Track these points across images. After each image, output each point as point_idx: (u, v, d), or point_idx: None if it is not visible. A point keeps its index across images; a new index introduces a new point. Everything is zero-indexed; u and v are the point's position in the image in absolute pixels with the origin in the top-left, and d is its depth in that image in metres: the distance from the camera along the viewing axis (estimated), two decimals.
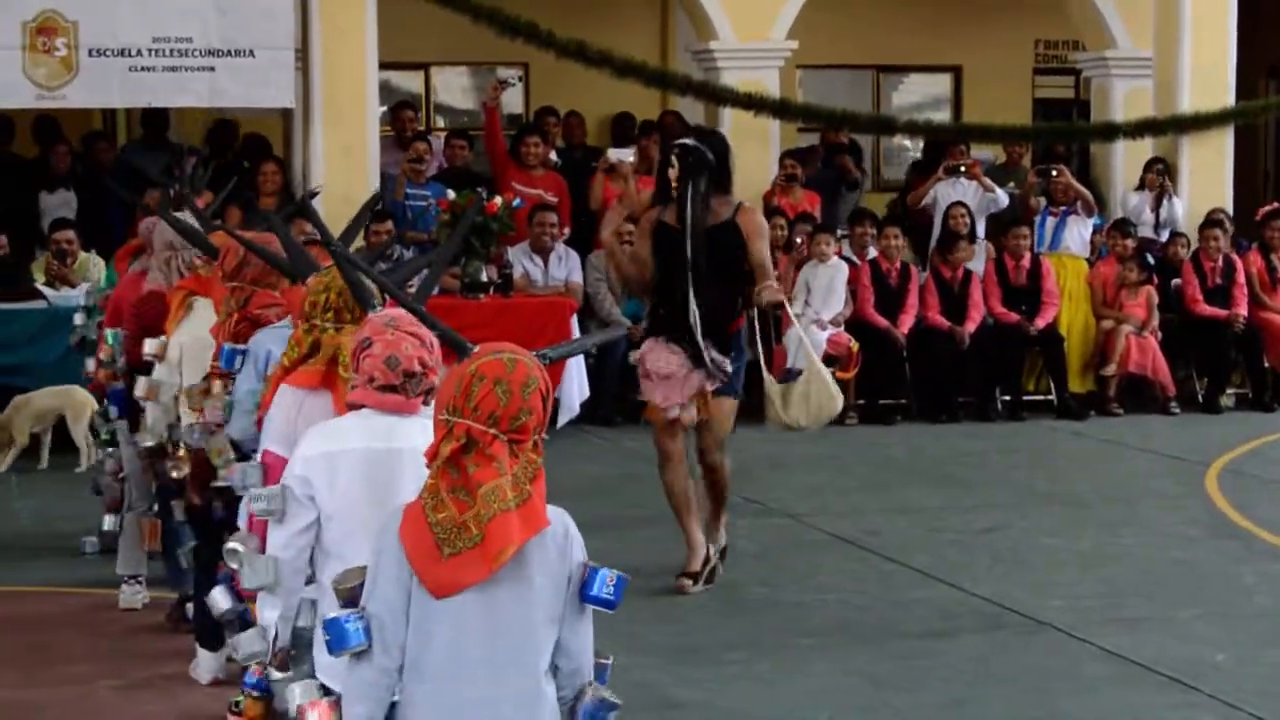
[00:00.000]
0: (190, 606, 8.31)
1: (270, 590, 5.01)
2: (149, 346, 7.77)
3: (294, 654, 4.97)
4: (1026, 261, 15.53)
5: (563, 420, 13.67)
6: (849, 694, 7.91)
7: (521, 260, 14.65)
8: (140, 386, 7.83)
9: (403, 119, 16.46)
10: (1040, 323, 15.35)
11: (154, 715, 7.57)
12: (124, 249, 9.69)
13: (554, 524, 4.13)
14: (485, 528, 4.01)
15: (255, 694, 5.26)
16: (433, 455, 4.11)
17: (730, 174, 9.48)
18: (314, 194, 9.73)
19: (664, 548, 10.14)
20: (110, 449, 9.31)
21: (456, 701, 4.06)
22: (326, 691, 4.64)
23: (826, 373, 9.79)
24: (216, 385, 6.84)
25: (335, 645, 4.06)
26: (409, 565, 4.04)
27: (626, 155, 15.58)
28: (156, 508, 8.62)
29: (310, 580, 4.99)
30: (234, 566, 5.16)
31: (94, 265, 13.52)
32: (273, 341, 6.02)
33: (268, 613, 5.08)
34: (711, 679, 8.06)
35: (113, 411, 8.87)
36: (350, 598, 4.14)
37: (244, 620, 5.76)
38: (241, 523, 5.67)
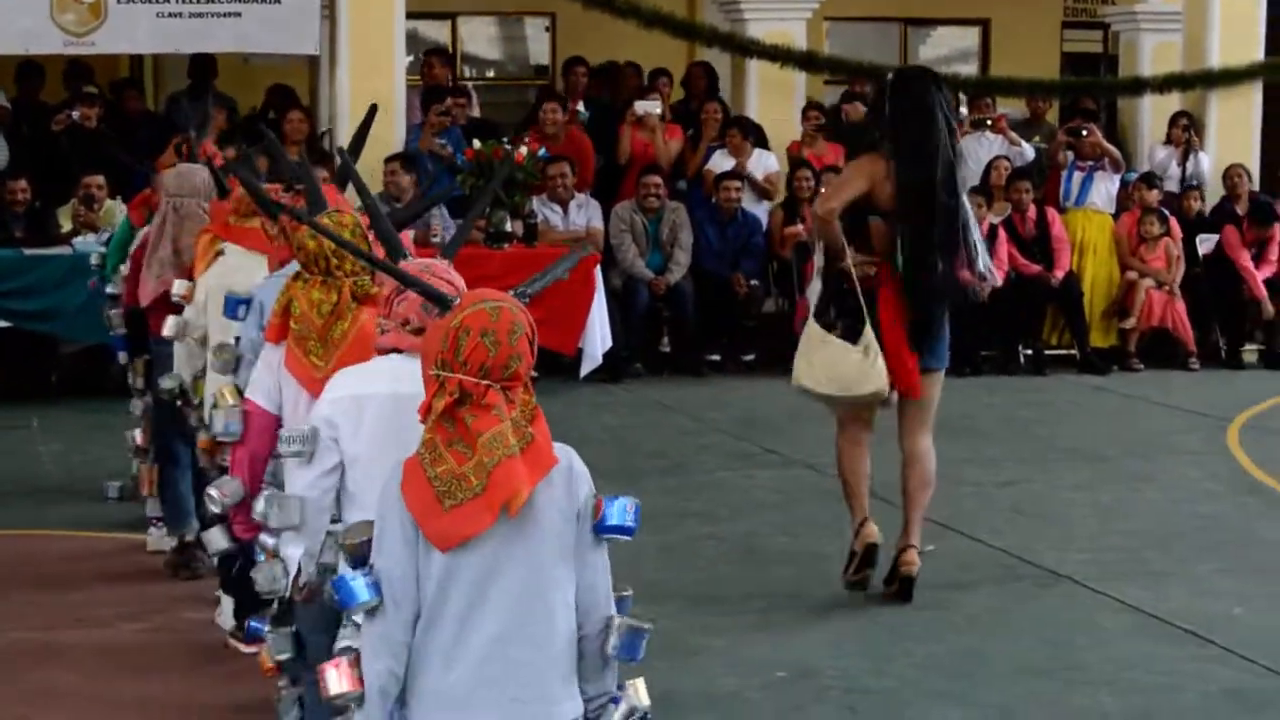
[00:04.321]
0: (189, 553, 8.63)
1: (296, 530, 5.06)
2: (177, 287, 7.82)
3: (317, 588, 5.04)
4: (1032, 213, 15.52)
5: (586, 370, 13.70)
6: (867, 643, 7.95)
7: (542, 209, 14.66)
8: (169, 327, 7.87)
9: (430, 67, 16.42)
10: (1058, 272, 15.35)
11: (175, 658, 7.61)
12: (139, 198, 9.64)
13: (559, 460, 4.10)
14: (488, 476, 3.98)
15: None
16: (425, 411, 4.07)
17: None
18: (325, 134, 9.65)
19: (683, 496, 10.17)
20: (140, 391, 9.36)
21: (470, 648, 4.04)
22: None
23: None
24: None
25: (345, 602, 4.06)
26: (411, 520, 4.04)
27: (653, 107, 15.59)
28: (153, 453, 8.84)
29: (335, 520, 5.03)
30: (260, 510, 5.17)
31: (119, 212, 13.50)
32: (274, 290, 5.90)
33: (290, 549, 5.13)
34: (731, 627, 8.10)
35: (121, 357, 9.02)
36: (358, 554, 4.13)
37: (247, 557, 5.80)
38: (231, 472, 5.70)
